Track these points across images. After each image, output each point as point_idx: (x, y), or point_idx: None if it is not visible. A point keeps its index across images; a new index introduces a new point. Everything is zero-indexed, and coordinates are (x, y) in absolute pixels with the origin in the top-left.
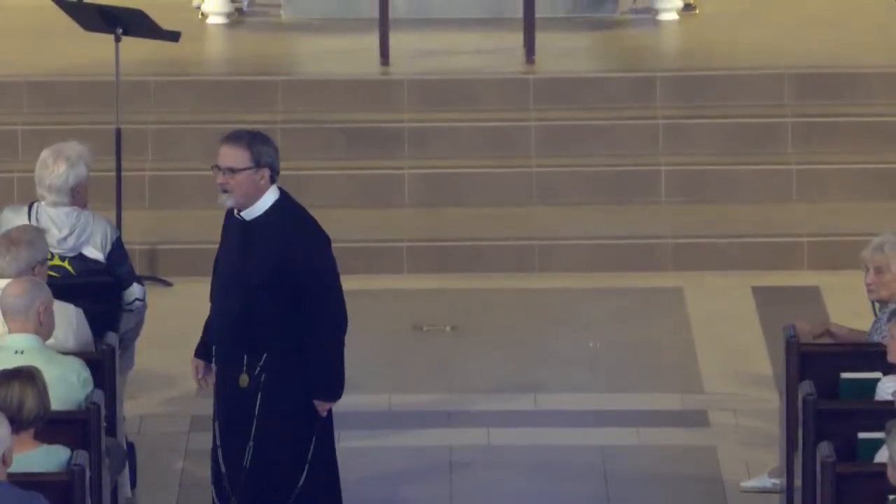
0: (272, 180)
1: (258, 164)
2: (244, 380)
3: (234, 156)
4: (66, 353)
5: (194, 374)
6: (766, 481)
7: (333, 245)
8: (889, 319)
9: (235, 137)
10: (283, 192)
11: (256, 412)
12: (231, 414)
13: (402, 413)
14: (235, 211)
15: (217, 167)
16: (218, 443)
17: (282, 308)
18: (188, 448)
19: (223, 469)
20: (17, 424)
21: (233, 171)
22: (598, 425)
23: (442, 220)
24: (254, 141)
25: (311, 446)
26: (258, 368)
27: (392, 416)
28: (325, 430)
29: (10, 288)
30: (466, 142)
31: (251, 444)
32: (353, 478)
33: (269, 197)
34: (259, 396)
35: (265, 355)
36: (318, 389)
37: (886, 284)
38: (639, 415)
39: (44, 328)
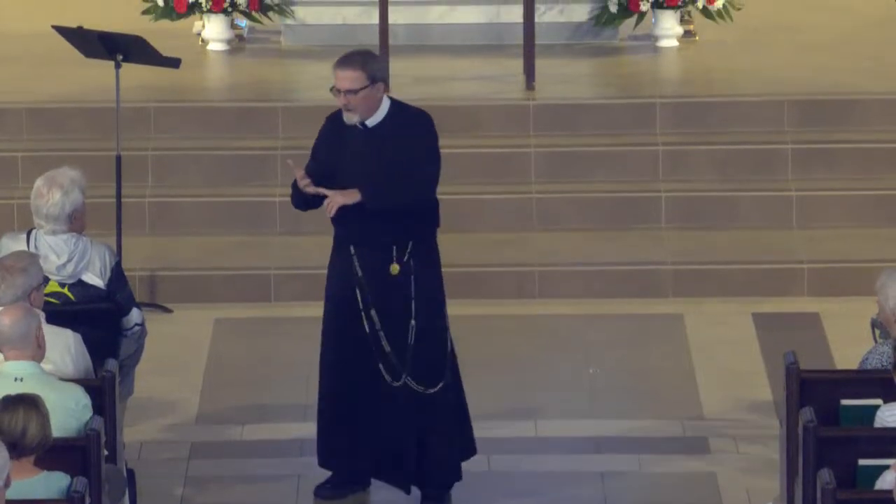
0: (386, 89)
1: (374, 80)
2: (395, 269)
3: (351, 78)
4: (65, 380)
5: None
6: None
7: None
8: None
9: (349, 61)
10: (392, 98)
11: (413, 294)
12: (389, 301)
13: None
14: (350, 121)
15: (337, 90)
16: (378, 327)
17: None
18: (188, 475)
19: (387, 349)
20: (19, 450)
21: (353, 91)
22: (599, 452)
23: (442, 246)
24: (366, 60)
25: (446, 316)
26: (406, 255)
27: None
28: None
29: (6, 317)
30: (467, 168)
31: (413, 322)
32: None
33: (386, 103)
34: (413, 279)
35: (410, 242)
36: (368, 191)
37: (879, 303)
38: (639, 441)
39: (39, 352)
